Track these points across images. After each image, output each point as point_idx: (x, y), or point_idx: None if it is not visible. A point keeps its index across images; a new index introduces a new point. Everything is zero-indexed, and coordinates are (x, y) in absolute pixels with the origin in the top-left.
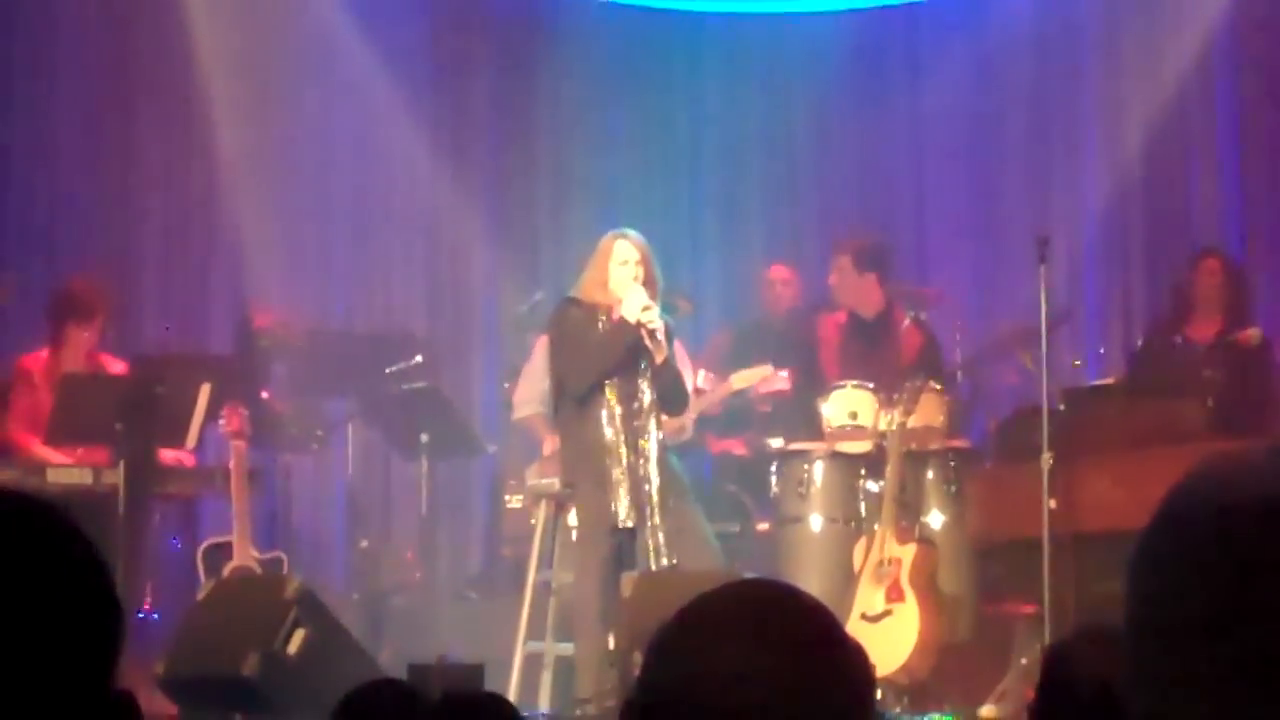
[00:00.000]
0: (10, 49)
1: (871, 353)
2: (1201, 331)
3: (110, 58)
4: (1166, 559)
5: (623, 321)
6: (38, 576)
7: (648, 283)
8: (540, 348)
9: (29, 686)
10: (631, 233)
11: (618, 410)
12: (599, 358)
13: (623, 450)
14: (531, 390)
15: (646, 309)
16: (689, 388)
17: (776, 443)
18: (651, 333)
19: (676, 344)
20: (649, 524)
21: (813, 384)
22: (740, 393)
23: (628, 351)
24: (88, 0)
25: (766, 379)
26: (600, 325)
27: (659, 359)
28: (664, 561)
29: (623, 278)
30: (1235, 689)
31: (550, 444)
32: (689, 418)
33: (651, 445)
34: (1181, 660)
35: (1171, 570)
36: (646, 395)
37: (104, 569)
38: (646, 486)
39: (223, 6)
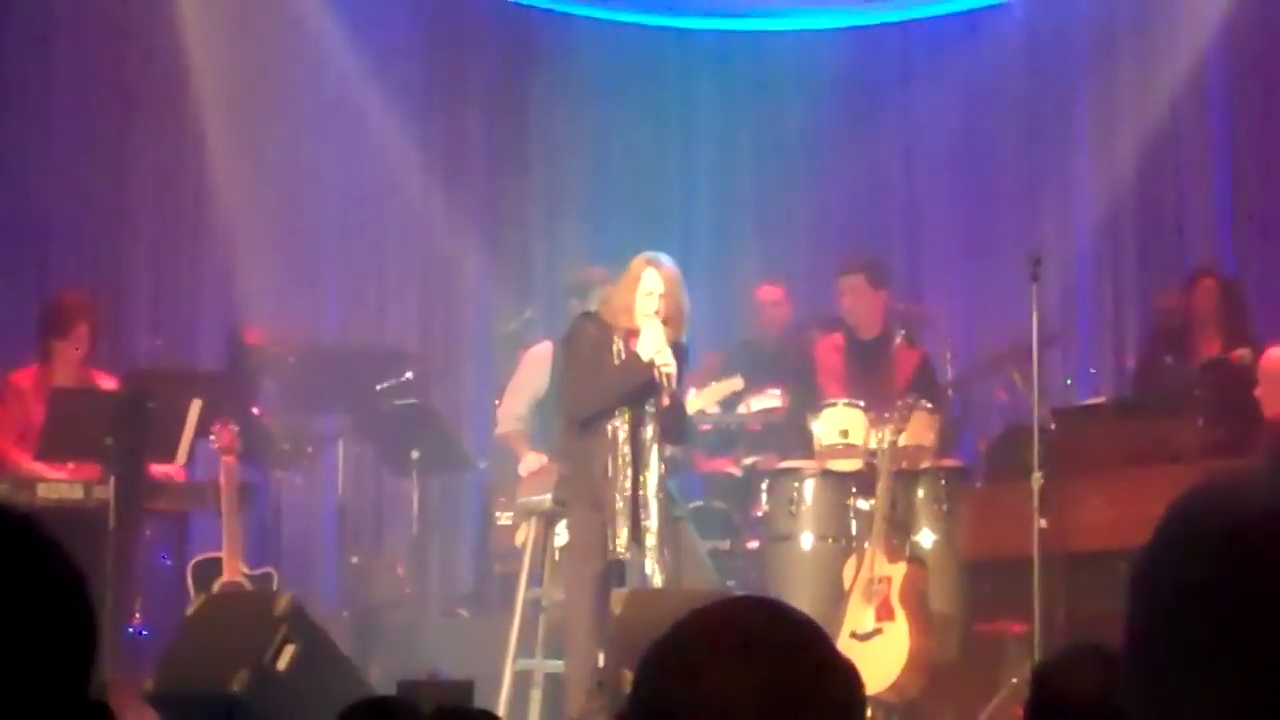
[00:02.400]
0: (5, 69)
1: (871, 374)
2: (1205, 351)
3: (104, 76)
4: (1166, 578)
5: (638, 357)
6: (7, 586)
7: (671, 315)
8: (526, 363)
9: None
10: (664, 260)
11: (623, 440)
12: (607, 392)
13: (625, 480)
14: (514, 407)
15: (660, 352)
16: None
17: (759, 461)
18: (666, 375)
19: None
20: (645, 554)
21: (809, 404)
22: (727, 408)
23: (638, 390)
24: (83, 18)
25: (734, 392)
26: (615, 349)
27: (665, 401)
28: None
29: (645, 309)
30: (1237, 709)
31: (525, 464)
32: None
33: (652, 477)
34: (1182, 679)
35: (1171, 589)
36: (650, 428)
37: (78, 578)
38: (645, 519)
39: (217, 25)
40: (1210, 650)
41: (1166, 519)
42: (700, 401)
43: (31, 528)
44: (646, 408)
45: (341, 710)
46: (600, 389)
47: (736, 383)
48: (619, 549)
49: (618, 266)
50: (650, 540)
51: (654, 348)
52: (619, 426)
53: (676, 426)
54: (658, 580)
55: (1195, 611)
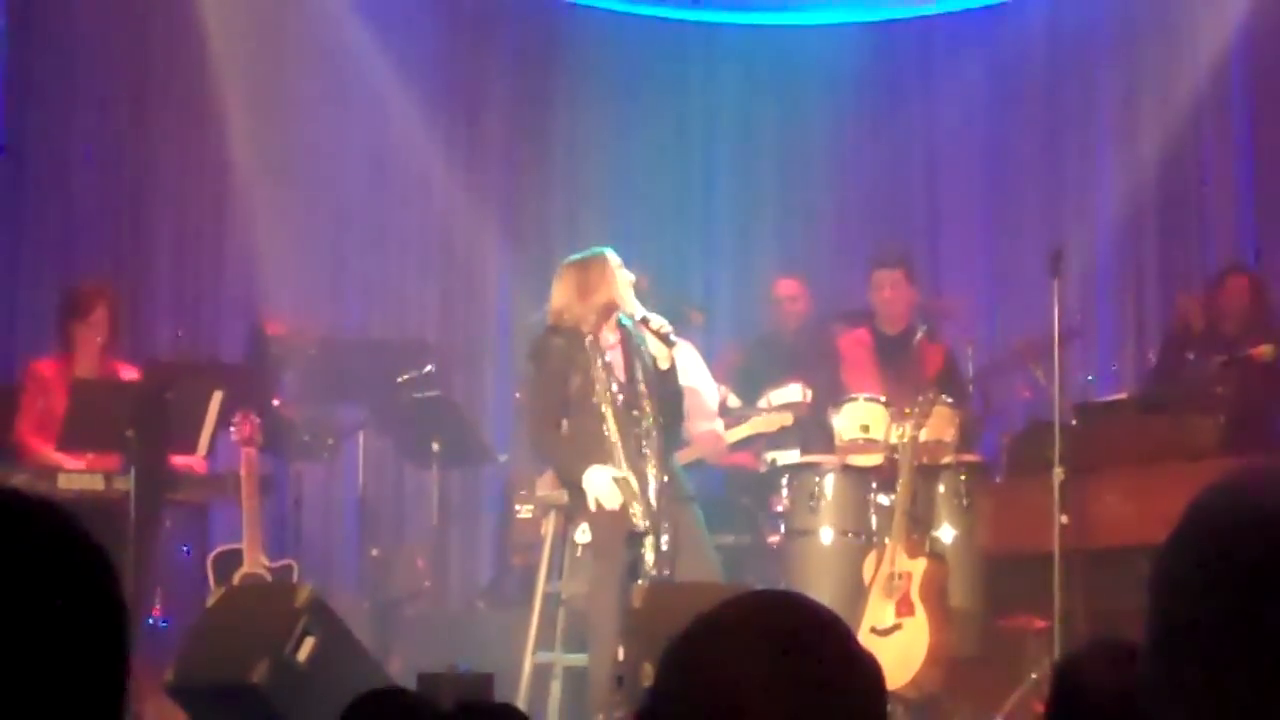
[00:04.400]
0: (28, 62)
1: (897, 369)
2: (1237, 349)
3: (126, 68)
4: (1187, 574)
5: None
6: (43, 577)
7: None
8: None
9: (34, 690)
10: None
11: (614, 421)
12: (556, 460)
13: (623, 458)
14: None
15: (654, 317)
16: (714, 399)
17: (784, 457)
18: (665, 334)
19: (694, 352)
20: (649, 525)
21: (830, 398)
22: (748, 403)
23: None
24: (106, 13)
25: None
26: (587, 348)
27: (665, 365)
28: (665, 570)
29: (630, 295)
30: (1258, 707)
31: None
32: (722, 442)
33: (653, 448)
34: (1203, 676)
35: (1192, 586)
36: (648, 403)
37: (110, 570)
38: (649, 491)
39: (239, 18)
40: (1231, 647)
41: (1187, 515)
42: (750, 429)
43: (62, 518)
44: (639, 386)
45: (350, 702)
46: (554, 448)
47: (786, 418)
48: (636, 521)
49: (643, 266)
50: (655, 505)
51: (643, 313)
52: (608, 416)
53: (673, 400)
54: (650, 559)
55: (1216, 608)
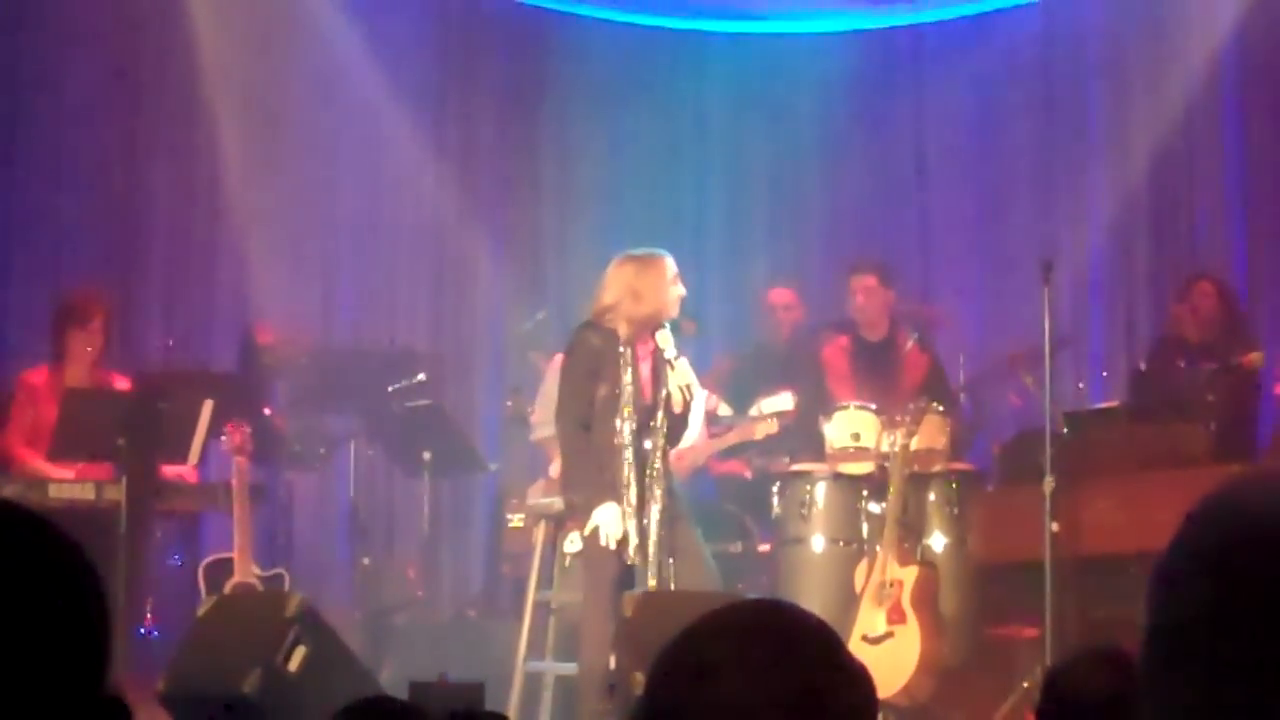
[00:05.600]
0: (16, 67)
1: (879, 376)
2: (1211, 355)
3: (116, 75)
4: (1187, 583)
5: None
6: (25, 585)
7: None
8: (551, 373)
9: (15, 695)
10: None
11: (629, 439)
12: (575, 476)
13: (631, 487)
14: (550, 411)
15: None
16: (700, 414)
17: (770, 463)
18: (686, 387)
19: (688, 368)
20: (649, 554)
21: (818, 407)
22: (740, 412)
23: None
24: (95, 17)
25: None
26: (621, 356)
27: (678, 410)
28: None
29: (676, 300)
30: (1256, 714)
31: (557, 464)
32: (706, 452)
33: (658, 476)
34: (1202, 684)
35: (1192, 594)
36: (661, 429)
37: (98, 586)
38: (647, 520)
39: (230, 25)
40: (1230, 659)
41: (1185, 525)
42: (737, 437)
43: (46, 526)
44: (659, 407)
45: (341, 710)
46: (577, 456)
47: (772, 426)
48: (630, 554)
49: None
50: (650, 549)
51: (675, 354)
52: (624, 427)
53: (679, 432)
54: (659, 577)
55: (1215, 620)
